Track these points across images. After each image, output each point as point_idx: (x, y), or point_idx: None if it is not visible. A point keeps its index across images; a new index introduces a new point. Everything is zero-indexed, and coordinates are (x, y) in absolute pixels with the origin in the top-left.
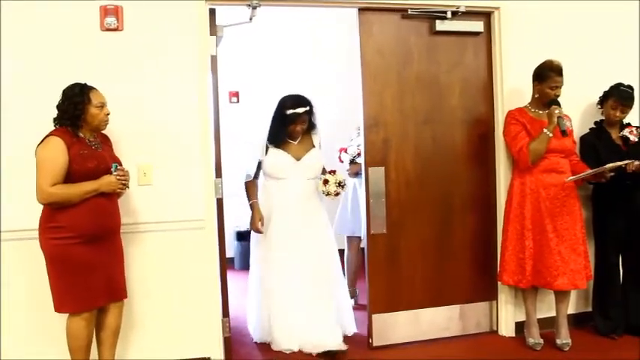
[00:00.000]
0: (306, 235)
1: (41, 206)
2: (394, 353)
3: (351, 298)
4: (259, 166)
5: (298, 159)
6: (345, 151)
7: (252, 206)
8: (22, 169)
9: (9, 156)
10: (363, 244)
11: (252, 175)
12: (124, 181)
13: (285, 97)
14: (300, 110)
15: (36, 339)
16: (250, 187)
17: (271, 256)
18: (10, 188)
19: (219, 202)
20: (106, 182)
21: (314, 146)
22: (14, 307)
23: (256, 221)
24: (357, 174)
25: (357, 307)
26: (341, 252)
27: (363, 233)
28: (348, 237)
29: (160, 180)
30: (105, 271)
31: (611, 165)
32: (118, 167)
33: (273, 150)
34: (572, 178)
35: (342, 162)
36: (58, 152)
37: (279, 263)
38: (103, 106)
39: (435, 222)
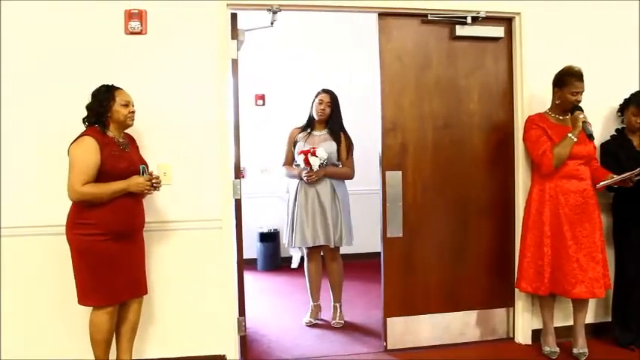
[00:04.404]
0: None
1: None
2: (409, 357)
3: (314, 317)
4: None
5: None
6: (314, 154)
7: None
8: (29, 167)
9: (16, 154)
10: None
11: None
12: (156, 184)
13: None
14: None
15: (36, 338)
16: None
17: None
18: (15, 185)
19: (238, 203)
20: (135, 183)
21: None
22: (13, 304)
23: None
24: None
25: (322, 323)
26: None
27: (331, 241)
28: (308, 248)
29: (180, 180)
30: (129, 267)
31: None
32: (152, 173)
33: None
34: (603, 183)
35: (309, 166)
36: (91, 152)
37: None
38: (127, 104)
39: (452, 226)
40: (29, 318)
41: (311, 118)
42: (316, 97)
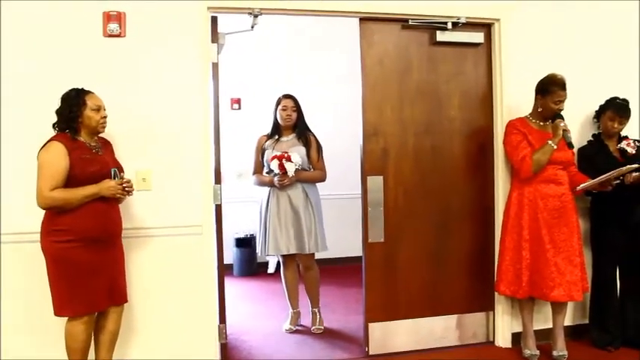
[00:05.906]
0: None
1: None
2: None
3: (294, 324)
4: None
5: None
6: (289, 159)
7: None
8: (22, 171)
9: (9, 159)
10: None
11: None
12: (128, 189)
13: None
14: None
15: (36, 339)
16: None
17: None
18: (10, 191)
19: (218, 208)
20: (106, 187)
21: None
22: (13, 308)
23: None
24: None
25: (302, 329)
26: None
27: (305, 248)
28: (283, 256)
29: (159, 185)
30: (107, 274)
31: (624, 169)
32: (123, 177)
33: None
34: (582, 186)
35: (284, 171)
36: (59, 157)
37: None
38: (99, 109)
39: (432, 231)
40: (29, 318)
41: (276, 125)
42: (279, 103)
